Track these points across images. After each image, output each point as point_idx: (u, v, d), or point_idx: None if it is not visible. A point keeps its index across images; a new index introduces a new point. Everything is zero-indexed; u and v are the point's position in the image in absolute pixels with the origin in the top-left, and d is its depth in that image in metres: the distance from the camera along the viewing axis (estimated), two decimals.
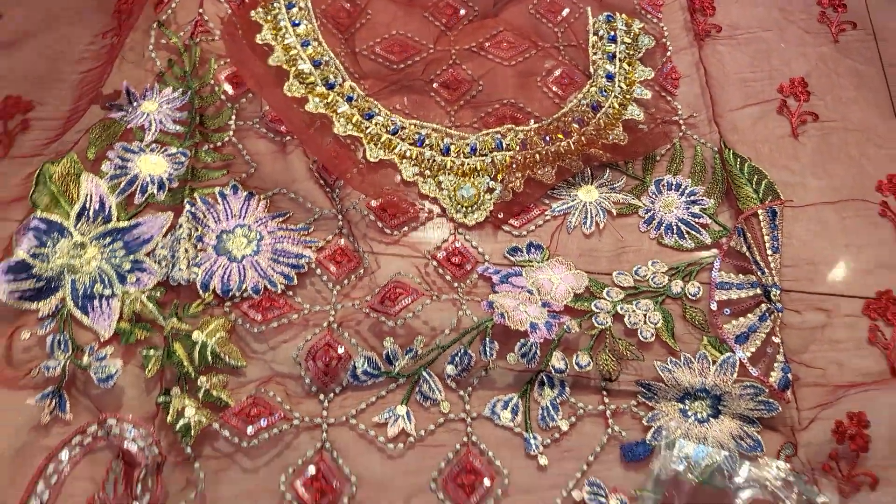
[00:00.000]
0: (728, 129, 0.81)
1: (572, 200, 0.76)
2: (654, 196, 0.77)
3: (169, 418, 0.62)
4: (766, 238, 0.73)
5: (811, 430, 0.65)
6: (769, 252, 0.73)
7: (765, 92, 0.85)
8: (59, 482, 0.61)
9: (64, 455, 0.62)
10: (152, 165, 0.75)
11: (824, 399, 0.66)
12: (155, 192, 0.74)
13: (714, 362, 0.66)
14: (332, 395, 0.65)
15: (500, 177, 0.76)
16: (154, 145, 0.77)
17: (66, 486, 0.61)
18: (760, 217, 0.75)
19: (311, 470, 0.61)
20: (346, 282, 0.70)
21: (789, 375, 0.65)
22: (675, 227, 0.75)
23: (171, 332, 0.65)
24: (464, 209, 0.75)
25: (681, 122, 0.82)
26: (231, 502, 0.60)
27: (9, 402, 0.63)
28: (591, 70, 0.85)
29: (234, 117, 0.80)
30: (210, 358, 0.65)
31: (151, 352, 0.65)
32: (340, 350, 0.65)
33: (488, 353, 0.65)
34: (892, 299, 0.71)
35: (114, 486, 0.60)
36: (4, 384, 0.64)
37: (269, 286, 0.69)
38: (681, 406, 0.65)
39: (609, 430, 0.64)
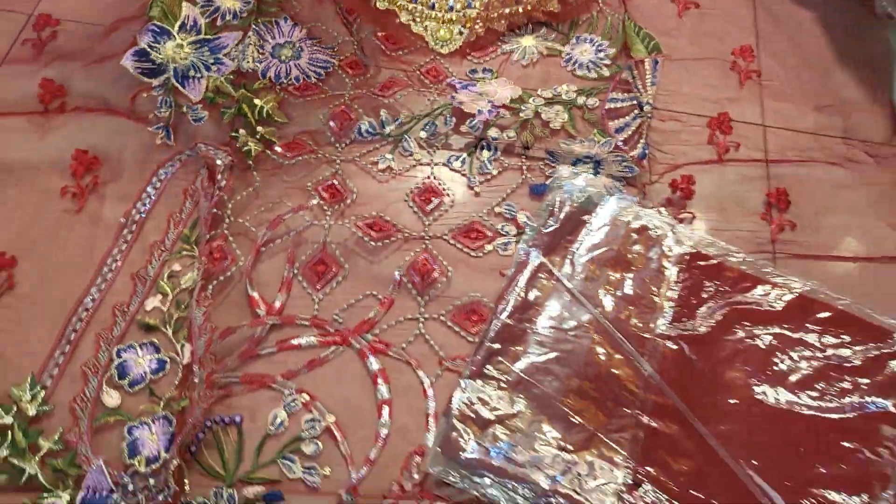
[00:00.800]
0: (632, 8, 1.10)
1: (517, 44, 1.06)
2: (573, 45, 1.06)
3: (238, 145, 0.92)
4: (647, 76, 1.03)
5: (656, 185, 0.94)
6: (649, 85, 1.02)
7: None
8: (166, 179, 0.91)
9: (169, 164, 0.92)
10: (230, 1, 1.05)
11: (668, 168, 0.96)
12: (230, 18, 1.04)
13: (598, 142, 0.96)
14: (344, 144, 0.95)
15: (467, 25, 1.06)
16: None
17: (170, 183, 0.91)
18: (646, 63, 1.04)
19: (329, 181, 0.91)
20: (357, 79, 1.00)
21: (646, 151, 0.95)
22: (585, 65, 1.04)
23: (240, 97, 0.96)
24: (441, 43, 1.04)
25: (599, 1, 1.12)
26: (275, 196, 0.90)
27: (134, 132, 0.94)
28: None
29: None
30: (265, 115, 0.95)
31: (227, 110, 0.95)
32: (352, 115, 0.96)
33: (448, 124, 0.95)
34: (727, 118, 1.00)
35: (201, 181, 0.91)
36: (133, 121, 0.95)
37: (305, 78, 0.99)
38: (573, 168, 0.95)
39: (523, 177, 0.94)
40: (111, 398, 0.77)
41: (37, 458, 0.73)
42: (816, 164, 0.97)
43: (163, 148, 0.93)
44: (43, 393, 0.76)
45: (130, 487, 0.72)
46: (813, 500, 0.73)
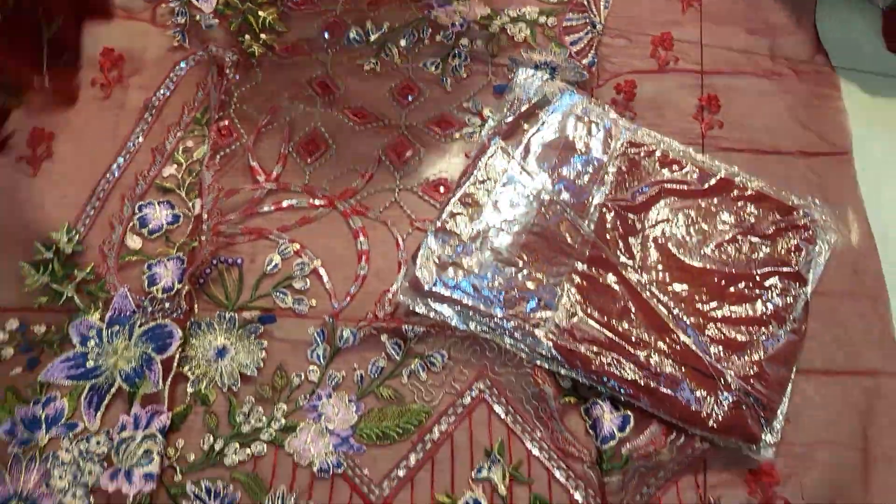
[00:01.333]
0: None
1: None
2: None
3: (244, 47, 1.05)
4: (601, 1, 1.16)
5: (603, 88, 1.07)
6: (602, 8, 1.15)
7: None
8: (182, 74, 1.04)
9: (184, 61, 1.05)
10: None
11: (613, 75, 1.08)
12: None
13: (555, 53, 1.08)
14: (335, 49, 1.08)
15: None
16: None
17: (185, 79, 1.04)
18: None
19: (321, 78, 1.04)
20: None
21: (595, 60, 1.08)
22: None
23: (246, 9, 1.09)
24: None
25: None
26: (275, 89, 1.03)
27: (155, 35, 1.06)
28: None
29: None
30: (267, 25, 1.08)
31: (234, 20, 1.08)
32: (342, 26, 1.09)
33: (425, 34, 1.08)
34: (669, 37, 1.13)
35: (212, 76, 1.04)
36: (154, 26, 1.08)
37: None
38: (533, 71, 1.08)
39: (488, 79, 1.07)
40: (134, 242, 0.90)
41: (73, 285, 0.86)
42: (745, 76, 1.10)
43: (179, 49, 1.06)
44: (77, 237, 0.89)
45: (149, 309, 0.85)
46: (720, 333, 0.86)
